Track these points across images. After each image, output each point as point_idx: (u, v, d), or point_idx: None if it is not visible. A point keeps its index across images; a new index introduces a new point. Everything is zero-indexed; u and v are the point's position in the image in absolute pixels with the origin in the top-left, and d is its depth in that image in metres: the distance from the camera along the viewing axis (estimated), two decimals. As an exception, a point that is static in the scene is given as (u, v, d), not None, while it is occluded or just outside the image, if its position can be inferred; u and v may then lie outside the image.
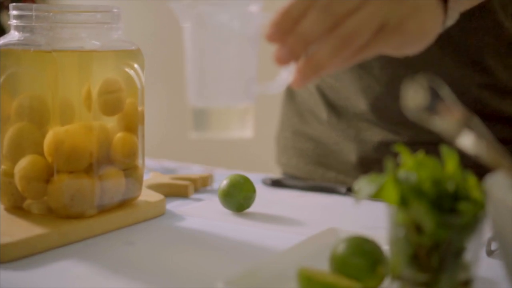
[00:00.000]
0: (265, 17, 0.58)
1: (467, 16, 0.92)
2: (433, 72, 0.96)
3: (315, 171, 1.11)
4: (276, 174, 1.21)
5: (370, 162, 1.03)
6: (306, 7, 0.55)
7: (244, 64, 0.60)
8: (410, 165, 0.56)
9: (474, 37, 0.96)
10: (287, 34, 0.56)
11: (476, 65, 0.97)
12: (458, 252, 0.53)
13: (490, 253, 0.70)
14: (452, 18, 0.63)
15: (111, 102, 0.80)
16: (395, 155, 0.58)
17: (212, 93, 0.59)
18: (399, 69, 0.98)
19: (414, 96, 0.52)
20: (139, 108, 0.84)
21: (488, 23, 0.95)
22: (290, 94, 1.16)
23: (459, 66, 0.97)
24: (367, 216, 0.84)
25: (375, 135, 1.03)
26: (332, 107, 1.07)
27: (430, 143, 0.87)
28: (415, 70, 0.95)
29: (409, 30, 0.59)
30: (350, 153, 1.05)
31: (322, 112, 1.09)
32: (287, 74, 0.59)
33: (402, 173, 0.55)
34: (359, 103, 1.03)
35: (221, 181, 0.89)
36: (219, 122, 0.60)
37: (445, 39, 0.96)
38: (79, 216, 0.77)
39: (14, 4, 0.79)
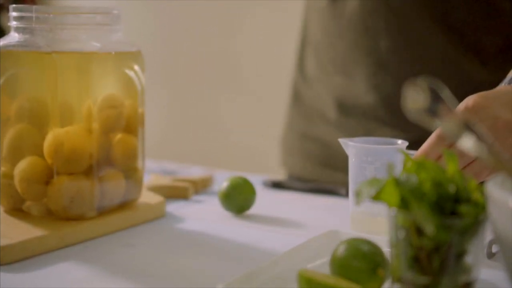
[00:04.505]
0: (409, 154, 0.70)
1: (483, 16, 0.94)
2: (448, 70, 0.98)
3: (323, 172, 1.11)
4: (278, 175, 1.21)
5: None
6: (439, 151, 0.70)
7: None
8: (411, 167, 0.56)
9: (486, 37, 0.97)
10: None
11: (489, 64, 0.98)
12: (459, 254, 0.53)
13: (491, 255, 0.70)
14: None
15: (112, 117, 0.79)
16: None
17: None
18: (416, 66, 0.99)
19: (415, 98, 0.52)
20: (139, 110, 0.84)
21: (502, 24, 0.97)
22: (297, 96, 1.16)
23: (474, 65, 0.98)
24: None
25: (384, 134, 1.03)
26: (341, 105, 1.07)
27: None
28: (432, 67, 0.96)
29: None
30: None
31: (331, 111, 1.09)
32: None
33: (402, 175, 0.55)
34: (370, 99, 1.03)
35: (221, 183, 0.89)
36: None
37: (459, 39, 0.97)
38: (79, 218, 0.77)
39: (14, 5, 0.78)
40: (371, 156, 0.77)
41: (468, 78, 0.98)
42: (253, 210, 0.89)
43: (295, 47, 1.22)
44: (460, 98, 1.00)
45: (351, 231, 0.78)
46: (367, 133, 1.04)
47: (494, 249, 0.70)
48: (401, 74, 1.00)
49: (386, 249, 0.59)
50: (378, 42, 1.02)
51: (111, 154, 0.80)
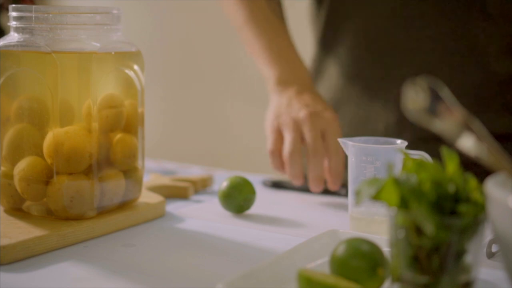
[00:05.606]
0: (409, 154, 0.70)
1: None
2: (475, 60, 0.98)
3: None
4: (278, 175, 1.21)
5: None
6: None
7: None
8: (411, 167, 0.56)
9: None
10: None
11: None
12: (459, 254, 0.53)
13: (490, 255, 0.70)
14: None
15: (112, 117, 0.79)
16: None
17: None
18: (444, 56, 1.00)
19: (415, 98, 0.52)
20: (139, 110, 0.84)
21: None
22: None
23: (501, 57, 0.99)
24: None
25: (405, 132, 1.04)
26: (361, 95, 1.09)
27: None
28: (459, 58, 0.99)
29: None
30: None
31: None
32: None
33: (402, 175, 0.55)
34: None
35: (221, 182, 0.89)
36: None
37: (494, 29, 0.98)
38: (79, 218, 0.77)
39: (13, 5, 0.79)
40: (371, 155, 0.78)
41: (493, 70, 0.99)
42: (253, 209, 0.89)
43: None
44: (484, 90, 1.00)
45: (350, 231, 0.78)
46: (389, 130, 1.05)
47: (494, 248, 0.70)
48: (429, 65, 1.01)
49: (385, 249, 0.59)
50: (411, 32, 1.02)
51: (111, 154, 0.80)
